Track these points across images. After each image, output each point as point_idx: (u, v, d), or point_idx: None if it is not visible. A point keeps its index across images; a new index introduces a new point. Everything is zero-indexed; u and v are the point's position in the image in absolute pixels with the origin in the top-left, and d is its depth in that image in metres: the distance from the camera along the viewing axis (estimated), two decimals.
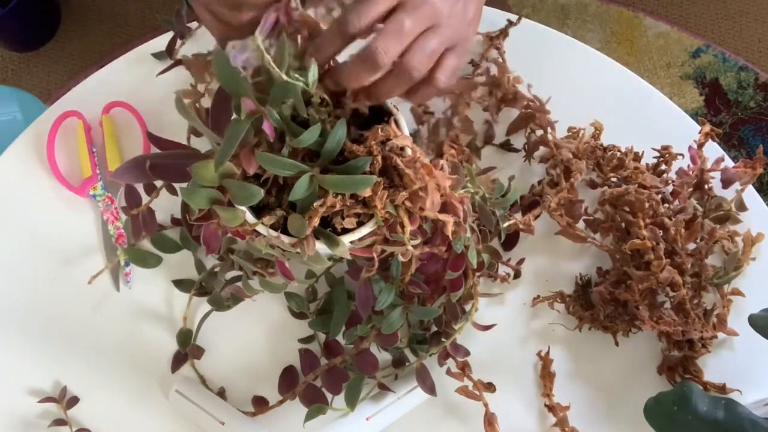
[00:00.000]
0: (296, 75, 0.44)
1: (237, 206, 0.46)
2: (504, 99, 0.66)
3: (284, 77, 0.43)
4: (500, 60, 0.68)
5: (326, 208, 0.46)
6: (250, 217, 0.47)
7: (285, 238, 0.47)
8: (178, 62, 0.67)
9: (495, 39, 0.69)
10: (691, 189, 0.64)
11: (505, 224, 0.61)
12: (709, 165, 0.64)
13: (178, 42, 0.69)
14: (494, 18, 0.71)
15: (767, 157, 0.64)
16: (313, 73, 0.44)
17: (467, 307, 0.60)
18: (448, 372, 0.60)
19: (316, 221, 0.45)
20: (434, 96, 0.50)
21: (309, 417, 0.57)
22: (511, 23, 0.70)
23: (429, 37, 0.46)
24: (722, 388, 0.61)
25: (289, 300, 0.62)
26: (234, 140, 0.42)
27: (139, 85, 0.70)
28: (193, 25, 0.71)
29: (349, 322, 0.60)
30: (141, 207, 0.57)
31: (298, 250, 0.46)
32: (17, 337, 0.64)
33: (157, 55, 0.70)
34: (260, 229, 0.47)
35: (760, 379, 0.62)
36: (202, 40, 0.70)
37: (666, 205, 0.62)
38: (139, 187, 0.59)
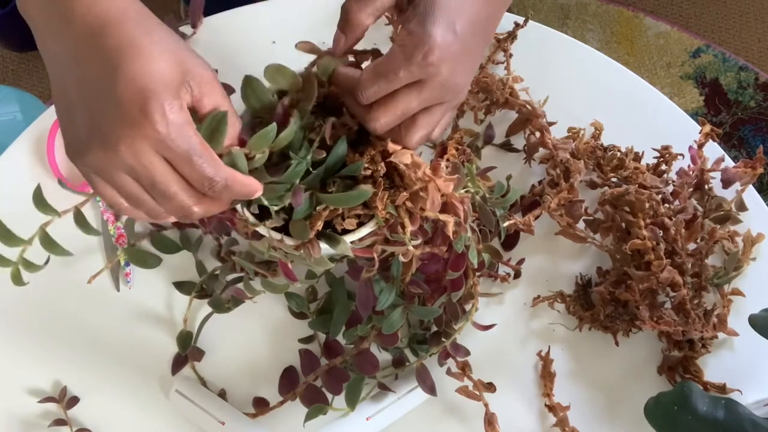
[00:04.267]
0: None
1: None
2: (495, 103, 0.66)
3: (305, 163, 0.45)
4: (507, 63, 0.68)
5: (328, 212, 0.46)
6: (251, 218, 0.47)
7: (288, 241, 0.47)
8: None
9: (503, 42, 0.69)
10: (691, 189, 0.64)
11: (505, 224, 0.61)
12: (709, 165, 0.64)
13: None
14: None
15: (767, 157, 0.64)
16: (342, 149, 0.47)
17: (467, 307, 0.60)
18: (448, 372, 0.60)
19: (319, 225, 0.46)
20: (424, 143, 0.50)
21: (309, 417, 0.57)
22: (518, 25, 0.69)
23: (432, 115, 0.46)
24: (722, 388, 0.61)
25: (289, 300, 0.62)
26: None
27: None
28: (188, 30, 0.70)
29: (349, 322, 0.60)
30: None
31: (302, 252, 0.47)
32: (17, 337, 0.64)
33: None
34: (261, 231, 0.47)
35: (760, 379, 0.62)
36: (198, 47, 0.70)
37: (666, 205, 0.62)
38: None
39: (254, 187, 0.43)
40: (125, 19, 0.40)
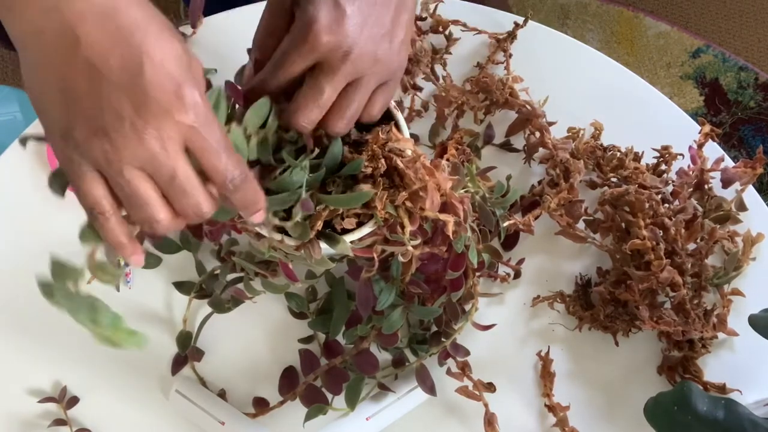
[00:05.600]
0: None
1: None
2: (495, 103, 0.66)
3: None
4: (507, 63, 0.68)
5: (328, 212, 0.46)
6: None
7: (289, 241, 0.47)
8: None
9: (503, 42, 0.69)
10: (691, 189, 0.64)
11: (505, 224, 0.61)
12: (709, 165, 0.64)
13: None
14: (500, 19, 0.71)
15: (767, 157, 0.64)
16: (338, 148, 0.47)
17: (467, 307, 0.60)
18: (448, 372, 0.60)
19: (318, 225, 0.46)
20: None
21: (309, 417, 0.57)
22: (518, 25, 0.69)
23: (351, 98, 0.45)
24: (722, 388, 0.61)
25: (289, 300, 0.62)
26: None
27: None
28: (188, 30, 0.70)
29: (349, 322, 0.60)
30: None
31: (302, 253, 0.47)
32: (17, 337, 0.64)
33: None
34: (262, 231, 0.47)
35: (760, 379, 0.62)
36: (198, 47, 0.70)
37: (666, 205, 0.62)
38: None
39: (261, 201, 0.43)
40: (132, 3, 0.37)
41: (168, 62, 0.36)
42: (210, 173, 0.39)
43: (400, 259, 0.51)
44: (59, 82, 0.37)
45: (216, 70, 0.68)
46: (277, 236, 0.47)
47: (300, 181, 0.45)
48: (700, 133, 0.65)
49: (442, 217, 0.48)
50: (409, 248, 0.48)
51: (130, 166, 0.37)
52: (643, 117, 0.69)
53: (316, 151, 0.47)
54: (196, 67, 0.39)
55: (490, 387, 0.60)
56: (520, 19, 0.70)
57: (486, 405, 0.58)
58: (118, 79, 0.36)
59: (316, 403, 0.58)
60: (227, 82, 0.49)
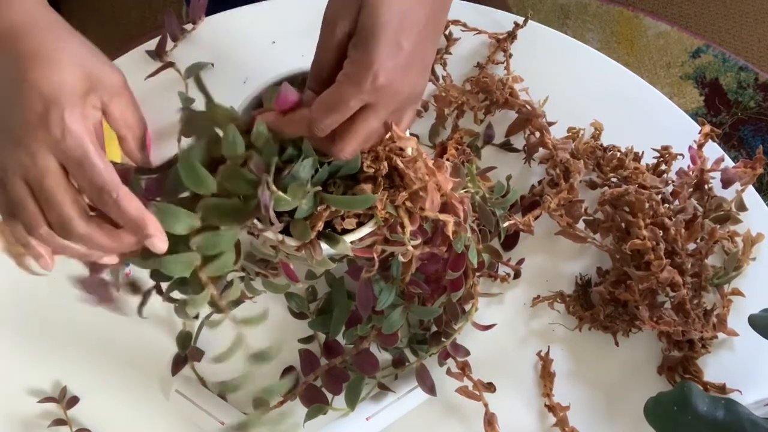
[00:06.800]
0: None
1: None
2: (495, 103, 0.66)
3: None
4: (507, 63, 0.68)
5: (329, 213, 0.46)
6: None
7: (289, 241, 0.47)
8: (168, 65, 0.67)
9: (503, 42, 0.69)
10: (691, 189, 0.64)
11: (505, 224, 0.61)
12: (709, 165, 0.64)
13: (171, 44, 0.69)
14: (500, 19, 0.71)
15: (767, 157, 0.64)
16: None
17: (467, 307, 0.60)
18: (448, 372, 0.60)
19: (319, 226, 0.46)
20: None
21: (309, 417, 0.57)
22: (518, 25, 0.69)
23: (388, 125, 0.46)
24: (722, 388, 0.61)
25: (289, 300, 0.62)
26: None
27: (138, 85, 0.69)
28: (188, 26, 0.70)
29: (349, 322, 0.60)
30: None
31: (303, 253, 0.47)
32: (17, 337, 0.64)
33: (151, 54, 0.70)
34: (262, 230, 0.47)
35: (760, 379, 0.62)
36: (197, 42, 0.70)
37: (666, 205, 0.62)
38: None
39: (147, 221, 0.42)
40: (36, 28, 0.43)
41: (44, 86, 0.41)
42: (80, 186, 0.42)
43: (400, 259, 0.51)
44: None
45: (213, 65, 0.68)
46: (278, 236, 0.47)
47: (308, 176, 0.45)
48: (700, 133, 0.65)
49: (442, 217, 0.48)
50: (409, 248, 0.48)
51: (15, 176, 0.41)
52: (643, 117, 0.69)
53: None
54: (108, 83, 0.44)
55: (490, 387, 0.60)
56: (520, 19, 0.70)
57: (486, 405, 0.58)
58: (6, 100, 0.42)
59: (316, 403, 0.58)
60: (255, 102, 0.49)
